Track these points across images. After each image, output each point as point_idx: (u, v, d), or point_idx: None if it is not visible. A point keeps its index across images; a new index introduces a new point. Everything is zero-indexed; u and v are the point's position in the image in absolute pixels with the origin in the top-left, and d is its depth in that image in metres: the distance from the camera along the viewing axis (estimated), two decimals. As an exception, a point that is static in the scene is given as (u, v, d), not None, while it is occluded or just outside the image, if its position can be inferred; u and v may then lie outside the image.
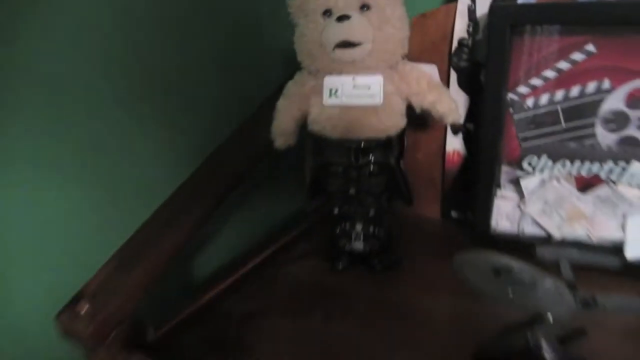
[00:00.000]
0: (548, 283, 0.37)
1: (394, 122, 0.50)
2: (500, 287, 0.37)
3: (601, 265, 0.43)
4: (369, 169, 0.51)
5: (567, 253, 0.45)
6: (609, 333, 0.45)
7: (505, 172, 0.58)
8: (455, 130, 0.62)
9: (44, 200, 0.44)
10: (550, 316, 0.39)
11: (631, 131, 0.51)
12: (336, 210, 0.54)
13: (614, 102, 0.51)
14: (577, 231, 0.54)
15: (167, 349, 0.47)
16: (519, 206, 0.57)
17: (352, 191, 0.52)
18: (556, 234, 0.55)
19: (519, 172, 0.57)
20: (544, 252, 0.42)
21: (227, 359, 0.46)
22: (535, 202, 0.56)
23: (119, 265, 0.45)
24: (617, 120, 0.51)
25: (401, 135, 0.52)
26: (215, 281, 0.55)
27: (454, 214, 0.67)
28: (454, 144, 0.63)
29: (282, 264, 0.60)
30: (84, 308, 0.41)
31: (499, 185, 0.59)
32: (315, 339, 0.47)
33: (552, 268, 0.40)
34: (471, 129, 0.61)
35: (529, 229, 0.57)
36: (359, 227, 0.55)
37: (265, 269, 0.59)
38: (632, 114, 0.50)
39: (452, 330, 0.48)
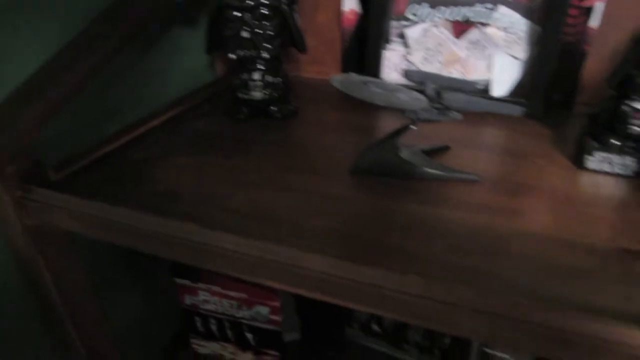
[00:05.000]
0: (406, 91, 0.42)
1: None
2: (368, 92, 0.41)
3: (459, 89, 0.49)
4: (260, 11, 0.53)
5: (431, 76, 0.50)
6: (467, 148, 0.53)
7: (394, 27, 0.62)
8: (350, -11, 0.65)
9: None
10: (412, 125, 0.44)
11: (498, -23, 0.56)
12: (233, 56, 0.56)
13: (484, -53, 0.55)
14: (453, 75, 0.60)
15: (67, 186, 0.49)
16: (404, 57, 0.62)
17: (245, 34, 0.54)
18: (436, 79, 0.61)
19: (404, 23, 0.61)
20: (412, 75, 0.47)
21: (124, 189, 0.48)
22: (419, 50, 0.60)
23: (16, 101, 0.45)
24: (487, -34, 0.56)
25: (293, -22, 0.54)
26: (119, 134, 0.57)
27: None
28: (350, 4, 0.66)
29: (186, 120, 0.62)
30: (-22, 141, 0.42)
31: (388, 41, 0.63)
32: (215, 170, 0.51)
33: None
34: (364, -14, 0.64)
35: (414, 78, 0.62)
36: (256, 75, 0.58)
37: (169, 125, 0.61)
38: (499, -42, 0.55)
39: (337, 156, 0.53)
